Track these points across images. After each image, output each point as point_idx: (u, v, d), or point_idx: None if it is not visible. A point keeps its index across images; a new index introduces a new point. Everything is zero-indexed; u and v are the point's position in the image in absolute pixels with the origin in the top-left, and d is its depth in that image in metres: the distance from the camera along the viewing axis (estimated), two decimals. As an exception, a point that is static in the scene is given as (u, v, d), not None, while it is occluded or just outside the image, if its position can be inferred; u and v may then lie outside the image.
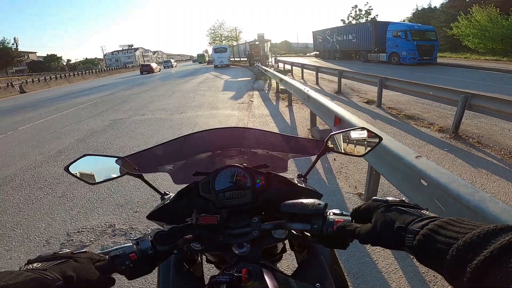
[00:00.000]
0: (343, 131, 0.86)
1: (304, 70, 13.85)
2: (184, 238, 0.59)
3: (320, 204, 0.57)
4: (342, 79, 9.07)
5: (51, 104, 11.35)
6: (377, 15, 38.59)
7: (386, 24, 20.33)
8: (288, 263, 1.82)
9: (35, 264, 0.44)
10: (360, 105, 7.20)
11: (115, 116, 7.58)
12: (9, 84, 17.46)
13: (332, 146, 0.85)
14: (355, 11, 41.79)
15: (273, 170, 0.80)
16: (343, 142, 0.86)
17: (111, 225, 2.61)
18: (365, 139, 0.85)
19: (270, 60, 26.45)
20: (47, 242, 2.42)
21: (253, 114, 6.73)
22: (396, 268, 1.92)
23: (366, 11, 40.56)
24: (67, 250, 0.50)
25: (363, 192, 2.89)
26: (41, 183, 3.60)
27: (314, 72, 11.81)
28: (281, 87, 8.79)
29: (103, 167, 0.84)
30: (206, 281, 0.73)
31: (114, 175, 0.83)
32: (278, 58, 26.29)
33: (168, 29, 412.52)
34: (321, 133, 4.52)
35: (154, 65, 32.98)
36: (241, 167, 0.75)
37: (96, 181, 0.83)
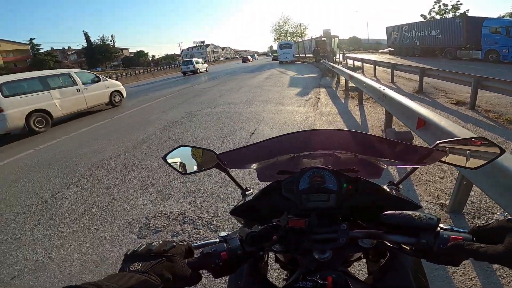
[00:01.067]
0: (455, 140, 0.77)
1: (377, 67, 12.82)
2: (270, 240, 0.58)
3: (433, 219, 0.52)
4: (424, 77, 8.09)
5: (140, 95, 13.14)
6: (467, 10, 33.30)
7: (480, 19, 18.23)
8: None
9: (135, 265, 0.47)
10: (447, 106, 6.31)
11: (190, 108, 8.34)
12: (108, 77, 20.83)
13: (438, 155, 0.75)
14: (439, 6, 37.13)
15: (363, 175, 0.75)
16: (453, 152, 0.76)
17: (182, 212, 2.82)
18: (481, 150, 0.74)
19: (337, 56, 25.31)
20: (129, 224, 2.70)
21: (320, 112, 6.56)
22: (476, 285, 1.69)
23: (453, 6, 35.55)
24: (158, 244, 0.52)
25: (446, 203, 2.56)
26: (129, 168, 4.17)
27: (389, 70, 10.83)
28: (350, 84, 8.34)
29: (194, 159, 0.89)
30: (275, 281, 0.72)
31: (204, 168, 0.88)
32: (347, 54, 24.92)
33: (236, 26, 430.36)
34: (398, 134, 4.14)
35: (249, 57, 42.19)
36: (328, 169, 0.72)
37: (187, 172, 0.88)
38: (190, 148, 0.89)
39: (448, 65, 15.09)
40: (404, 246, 0.56)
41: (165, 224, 2.65)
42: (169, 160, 0.85)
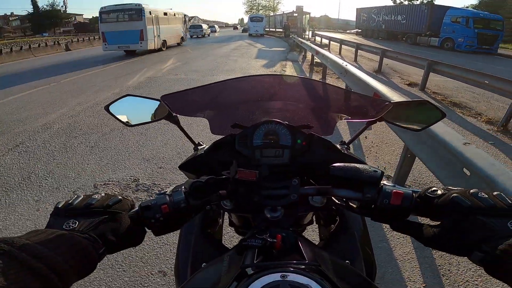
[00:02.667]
0: (404, 102, 0.78)
1: (343, 46, 13.06)
2: (218, 193, 0.54)
3: (377, 172, 0.49)
4: (384, 58, 8.44)
5: (93, 61, 11.73)
6: (434, -1, 34.79)
7: (444, 8, 19.04)
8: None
9: (70, 222, 0.39)
10: (401, 87, 6.73)
11: (151, 74, 7.78)
12: (56, 42, 18.35)
13: (387, 115, 0.76)
14: None
15: (316, 131, 0.72)
16: (400, 114, 0.77)
17: (135, 179, 2.68)
18: (425, 113, 0.77)
19: (307, 33, 25.22)
20: (74, 193, 2.47)
21: (284, 85, 6.56)
22: (413, 258, 1.87)
23: None
24: (100, 197, 0.45)
25: (392, 175, 2.78)
26: (76, 132, 3.81)
27: (353, 49, 11.10)
28: (316, 60, 8.40)
29: (142, 110, 0.82)
30: (228, 246, 0.70)
31: (151, 119, 0.82)
32: (316, 32, 24.92)
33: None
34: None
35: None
36: (283, 124, 0.68)
37: (133, 123, 0.81)
38: (137, 98, 0.80)
39: (407, 49, 15.87)
40: (351, 204, 0.54)
41: (116, 193, 2.49)
42: (113, 111, 0.76)
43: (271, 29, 35.49)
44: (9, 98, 5.77)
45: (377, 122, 0.78)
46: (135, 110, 0.81)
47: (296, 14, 24.41)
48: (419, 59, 6.90)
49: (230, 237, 1.86)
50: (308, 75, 7.79)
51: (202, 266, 0.61)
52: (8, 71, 10.16)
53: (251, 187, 0.58)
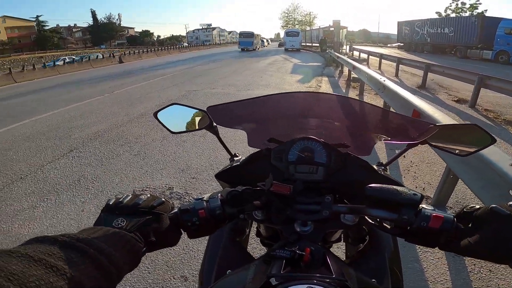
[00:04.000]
0: (450, 125, 0.76)
1: (383, 60, 12.60)
2: (253, 204, 0.56)
3: (416, 195, 0.49)
4: (429, 73, 7.96)
5: (141, 73, 12.94)
6: (485, 10, 32.46)
7: (496, 20, 17.94)
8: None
9: (119, 220, 0.43)
10: (448, 103, 6.25)
11: (190, 88, 8.26)
12: (111, 54, 20.72)
13: (431, 138, 0.73)
14: (456, 4, 36.46)
15: (353, 151, 0.72)
16: (445, 137, 0.74)
17: (170, 187, 2.81)
18: (473, 137, 0.72)
19: (344, 47, 24.88)
20: (116, 197, 2.74)
21: (319, 100, 6.49)
22: (446, 280, 1.72)
23: (471, 5, 34.72)
24: (146, 198, 0.48)
25: (431, 196, 2.57)
26: (122, 141, 4.16)
27: (394, 64, 10.65)
28: (353, 75, 8.22)
29: (185, 118, 0.88)
30: (254, 255, 0.71)
31: (193, 128, 0.87)
32: (354, 46, 24.46)
33: (243, 10, 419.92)
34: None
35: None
36: (319, 141, 0.70)
37: (176, 131, 0.87)
38: (183, 107, 0.87)
39: (456, 63, 14.84)
40: (385, 225, 0.54)
41: (159, 195, 2.65)
42: (160, 117, 0.84)
43: (307, 44, 35.66)
44: (69, 106, 6.54)
45: (419, 145, 0.76)
46: (180, 118, 0.88)
47: (333, 29, 24.28)
48: (469, 73, 6.38)
49: (253, 248, 1.87)
50: (344, 91, 7.63)
51: (227, 273, 0.63)
52: (70, 80, 11.58)
53: (285, 200, 0.60)
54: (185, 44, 53.50)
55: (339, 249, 1.54)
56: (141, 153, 3.69)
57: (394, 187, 0.52)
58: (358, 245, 0.76)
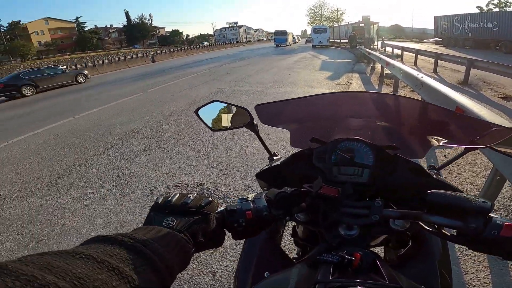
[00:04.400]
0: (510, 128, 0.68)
1: (419, 56, 11.88)
2: (300, 206, 0.54)
3: (486, 203, 0.45)
4: (472, 69, 7.38)
5: (173, 72, 13.51)
6: (530, 5, 29.80)
7: None
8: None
9: (169, 220, 0.42)
10: (493, 100, 5.75)
11: (219, 85, 8.44)
12: (145, 54, 21.84)
13: (496, 136, 0.67)
14: None
15: (404, 153, 0.67)
16: (509, 140, 0.67)
17: (201, 183, 2.89)
18: None
19: (375, 43, 23.83)
20: (151, 192, 2.79)
21: (350, 97, 6.30)
22: (487, 283, 1.62)
23: None
24: (193, 197, 0.47)
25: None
26: (157, 137, 4.35)
27: (432, 60, 10.00)
28: (386, 71, 7.85)
29: (225, 116, 0.88)
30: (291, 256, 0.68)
31: (233, 125, 0.87)
32: (386, 42, 23.34)
33: (269, 8, 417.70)
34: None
35: (290, 38, 42.02)
36: (365, 142, 0.66)
37: (216, 128, 0.87)
38: (224, 104, 0.87)
39: (502, 58, 13.59)
40: (444, 232, 0.50)
41: (207, 194, 2.75)
42: (201, 114, 0.84)
43: (335, 40, 34.74)
44: (109, 104, 6.98)
45: (481, 148, 0.71)
46: (219, 115, 0.88)
47: (363, 24, 23.33)
48: (518, 69, 5.83)
49: (284, 247, 1.87)
50: (377, 87, 7.32)
51: (265, 275, 0.62)
52: (108, 80, 12.32)
53: (332, 203, 0.59)
54: (206, 43, 54.87)
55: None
56: (174, 149, 3.84)
57: (460, 193, 0.48)
58: (399, 249, 0.73)
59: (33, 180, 3.33)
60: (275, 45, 35.74)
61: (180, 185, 2.92)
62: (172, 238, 0.38)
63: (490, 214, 0.46)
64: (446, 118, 0.76)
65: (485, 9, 35.13)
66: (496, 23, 20.34)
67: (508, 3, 34.12)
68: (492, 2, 35.93)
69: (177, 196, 0.47)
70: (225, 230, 0.50)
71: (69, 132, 5.06)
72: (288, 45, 35.65)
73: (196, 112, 0.84)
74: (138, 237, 0.34)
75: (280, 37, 36.56)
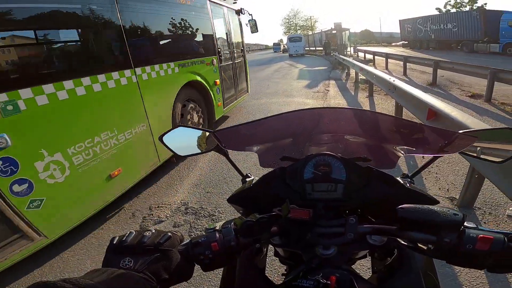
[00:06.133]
0: (478, 130, 0.71)
1: (389, 60, 12.49)
2: (269, 232, 0.53)
3: (458, 215, 0.45)
4: (438, 70, 7.83)
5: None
6: (485, 4, 32.19)
7: (497, 13, 17.87)
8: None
9: (126, 261, 0.41)
10: (462, 99, 6.11)
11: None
12: None
13: (463, 143, 0.68)
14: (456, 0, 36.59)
15: (375, 164, 0.67)
16: (477, 143, 0.69)
17: (185, 203, 2.81)
18: (507, 141, 0.68)
19: (348, 49, 24.84)
20: (133, 215, 2.69)
21: (328, 104, 6.45)
22: (483, 283, 1.65)
23: None
24: (151, 234, 0.46)
25: (456, 197, 2.48)
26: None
27: (401, 63, 10.53)
28: (360, 77, 8.16)
29: (192, 140, 0.84)
30: (273, 276, 0.67)
31: (201, 150, 0.84)
32: (358, 47, 24.40)
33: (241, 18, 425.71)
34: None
35: (281, 47, 46.96)
36: (336, 157, 0.65)
37: (183, 154, 0.84)
38: (189, 129, 0.84)
39: (464, 58, 14.60)
40: (420, 246, 0.49)
41: (167, 215, 2.64)
42: (166, 141, 0.80)
43: (311, 48, 35.86)
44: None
45: (451, 153, 0.71)
46: (186, 140, 0.84)
47: (335, 31, 24.33)
48: (480, 68, 6.24)
49: (271, 264, 1.82)
50: (353, 93, 7.56)
51: None
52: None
53: (304, 225, 0.57)
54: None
55: (363, 261, 1.51)
56: (156, 170, 3.73)
57: (430, 207, 0.48)
58: (385, 258, 0.72)
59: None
60: (274, 51, 47.40)
61: (163, 206, 2.82)
62: (128, 280, 0.36)
63: (465, 224, 0.46)
64: (413, 130, 0.77)
65: (444, 10, 36.87)
66: (455, 24, 21.62)
67: (463, 3, 36.22)
68: (449, 3, 37.79)
69: (132, 235, 0.45)
70: (193, 262, 0.49)
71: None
72: (281, 51, 44.19)
73: (160, 139, 0.79)
74: (82, 282, 0.31)
75: (276, 46, 48.44)
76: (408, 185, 0.67)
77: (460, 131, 0.69)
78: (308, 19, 53.62)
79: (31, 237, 1.96)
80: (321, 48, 28.54)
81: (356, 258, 0.74)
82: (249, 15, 6.02)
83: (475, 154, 0.71)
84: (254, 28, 6.10)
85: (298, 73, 13.37)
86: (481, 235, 0.43)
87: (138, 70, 2.82)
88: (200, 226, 2.42)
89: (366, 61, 14.96)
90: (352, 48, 24.92)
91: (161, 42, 3.40)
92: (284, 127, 0.84)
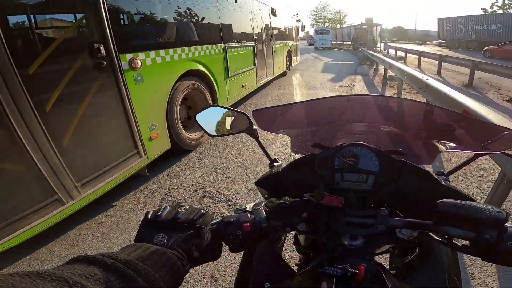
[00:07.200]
0: None
1: (422, 58, 11.84)
2: (300, 216, 0.52)
3: (501, 213, 0.44)
4: (476, 71, 7.32)
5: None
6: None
7: None
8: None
9: (160, 237, 0.41)
10: (498, 103, 5.71)
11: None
12: None
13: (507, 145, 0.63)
14: (503, 1, 34.59)
15: (411, 159, 0.64)
16: None
17: (203, 186, 2.85)
18: None
19: (378, 45, 23.85)
20: (152, 194, 2.76)
21: (353, 99, 6.26)
22: None
23: None
24: (185, 210, 0.46)
25: (482, 201, 2.35)
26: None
27: (436, 62, 9.96)
28: (389, 73, 7.82)
29: (224, 121, 0.85)
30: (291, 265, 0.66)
31: (232, 131, 0.85)
32: (389, 44, 23.36)
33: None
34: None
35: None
36: (370, 148, 0.63)
37: (215, 134, 0.84)
38: (223, 109, 0.85)
39: (502, 61, 13.55)
40: (455, 242, 0.48)
41: (185, 197, 2.70)
42: (199, 120, 0.81)
43: (338, 42, 34.79)
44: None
45: (494, 152, 0.68)
46: (218, 120, 0.85)
47: (365, 26, 23.36)
48: (524, 71, 5.78)
49: (285, 253, 1.81)
50: (380, 90, 7.27)
51: (265, 286, 0.60)
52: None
53: (334, 212, 0.56)
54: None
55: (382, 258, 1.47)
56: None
57: (473, 203, 0.45)
58: (405, 256, 0.70)
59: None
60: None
61: (181, 187, 2.89)
62: (161, 257, 0.36)
63: (506, 224, 0.44)
64: (454, 121, 0.73)
65: (489, 11, 35.39)
66: (500, 25, 20.68)
67: (511, 5, 34.35)
68: (496, 4, 36.32)
69: (167, 210, 0.45)
70: (222, 242, 0.49)
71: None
72: (308, 43, 42.85)
73: (194, 117, 0.81)
74: (120, 257, 0.32)
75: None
76: (443, 182, 0.63)
77: (506, 126, 0.64)
78: (337, 12, 51.96)
79: (140, 155, 2.69)
80: (349, 43, 27.59)
81: (377, 253, 0.72)
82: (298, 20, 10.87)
83: None
84: (302, 27, 10.84)
85: (322, 66, 13.04)
86: None
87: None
88: (216, 211, 2.45)
89: (396, 58, 14.30)
90: (382, 44, 23.90)
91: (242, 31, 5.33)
92: (318, 112, 0.83)
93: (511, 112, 5.01)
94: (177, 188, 2.85)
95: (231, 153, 3.56)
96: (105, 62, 2.20)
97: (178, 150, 3.45)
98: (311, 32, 32.86)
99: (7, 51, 1.58)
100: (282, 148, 3.55)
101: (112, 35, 2.24)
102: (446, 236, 0.49)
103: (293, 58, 10.49)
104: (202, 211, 0.47)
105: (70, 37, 2.11)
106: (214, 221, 0.49)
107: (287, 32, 9.04)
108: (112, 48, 2.25)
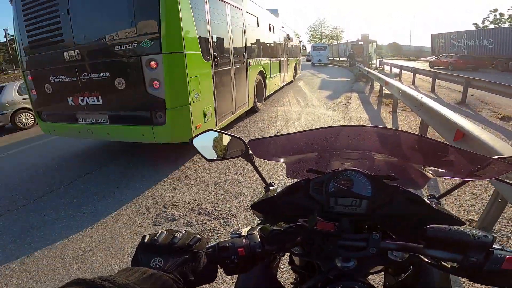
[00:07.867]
0: None
1: (417, 75, 12.11)
2: (294, 241, 0.54)
3: (488, 237, 0.46)
4: (469, 88, 7.50)
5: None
6: (526, 21, 30.68)
7: None
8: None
9: (157, 261, 0.42)
10: (491, 121, 5.80)
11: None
12: None
13: (497, 170, 0.66)
14: (495, 16, 34.94)
15: (402, 184, 0.67)
16: None
17: (199, 203, 2.85)
18: None
19: (374, 62, 24.38)
20: (147, 210, 2.77)
21: (349, 117, 6.35)
22: None
23: (510, 15, 33.03)
24: (181, 235, 0.47)
25: (475, 219, 2.41)
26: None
27: (430, 79, 10.19)
28: (385, 91, 7.98)
29: (220, 145, 0.87)
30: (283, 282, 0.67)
31: (228, 155, 0.86)
32: (384, 60, 23.88)
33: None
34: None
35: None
36: (363, 173, 0.66)
37: (211, 158, 0.86)
38: (219, 134, 0.86)
39: (497, 77, 13.84)
40: (444, 264, 0.50)
41: (180, 213, 2.69)
42: (196, 144, 0.83)
43: (334, 58, 35.51)
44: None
45: (486, 179, 0.71)
46: (215, 145, 0.87)
47: (361, 43, 23.98)
48: (513, 88, 5.91)
49: (279, 269, 1.81)
50: (375, 107, 7.40)
51: None
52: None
53: (327, 236, 0.59)
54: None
55: (372, 279, 1.46)
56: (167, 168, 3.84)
57: (460, 228, 0.49)
58: (399, 274, 0.72)
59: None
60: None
61: (177, 204, 2.88)
62: (158, 280, 0.37)
63: (494, 246, 0.46)
64: (443, 151, 0.76)
65: (481, 26, 35.56)
66: (491, 40, 20.68)
67: (503, 20, 34.72)
68: (487, 18, 36.37)
69: (164, 235, 0.47)
70: (217, 265, 0.50)
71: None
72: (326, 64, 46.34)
73: (191, 141, 0.83)
74: (118, 281, 0.33)
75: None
76: (434, 205, 0.67)
77: (495, 157, 0.68)
78: (334, 29, 53.32)
79: (248, 104, 6.05)
80: (345, 59, 28.22)
81: (371, 272, 0.74)
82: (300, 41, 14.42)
83: (507, 181, 0.69)
84: (303, 47, 14.52)
85: (319, 83, 13.28)
86: (509, 256, 0.44)
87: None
88: (212, 228, 2.45)
89: (392, 75, 14.61)
90: (378, 61, 24.43)
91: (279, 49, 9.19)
92: (313, 141, 0.86)
93: (504, 130, 5.09)
94: (172, 205, 2.85)
95: (227, 170, 3.58)
96: (245, 62, 5.65)
97: (250, 110, 6.39)
98: (309, 48, 33.15)
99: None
100: (279, 168, 3.60)
101: (246, 52, 5.75)
102: (436, 258, 0.51)
103: (297, 70, 14.12)
104: (198, 236, 0.49)
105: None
106: (209, 245, 0.50)
107: (294, 50, 12.33)
108: (246, 56, 5.72)
